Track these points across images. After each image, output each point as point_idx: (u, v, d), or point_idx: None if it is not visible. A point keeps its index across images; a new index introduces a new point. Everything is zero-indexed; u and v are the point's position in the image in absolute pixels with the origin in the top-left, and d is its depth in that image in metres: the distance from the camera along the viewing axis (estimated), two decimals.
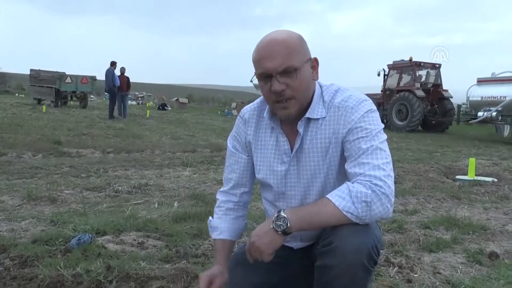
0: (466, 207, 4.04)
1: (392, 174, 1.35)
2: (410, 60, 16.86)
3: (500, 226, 3.38)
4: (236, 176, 1.62)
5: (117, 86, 14.95)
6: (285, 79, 1.36)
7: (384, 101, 17.57)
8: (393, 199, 1.32)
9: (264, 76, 1.38)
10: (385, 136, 1.42)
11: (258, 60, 1.39)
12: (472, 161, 5.65)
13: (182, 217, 3.11)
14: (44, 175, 4.76)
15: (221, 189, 1.68)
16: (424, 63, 17.09)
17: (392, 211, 1.33)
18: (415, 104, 15.86)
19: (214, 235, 1.63)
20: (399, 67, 17.53)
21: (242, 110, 1.65)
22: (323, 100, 1.46)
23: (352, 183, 1.32)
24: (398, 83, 17.24)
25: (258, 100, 1.61)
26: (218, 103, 44.50)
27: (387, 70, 18.01)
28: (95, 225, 2.75)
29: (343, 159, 1.43)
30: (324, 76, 1.55)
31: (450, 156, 8.33)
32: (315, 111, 1.45)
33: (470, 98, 14.73)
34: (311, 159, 1.47)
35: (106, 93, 14.71)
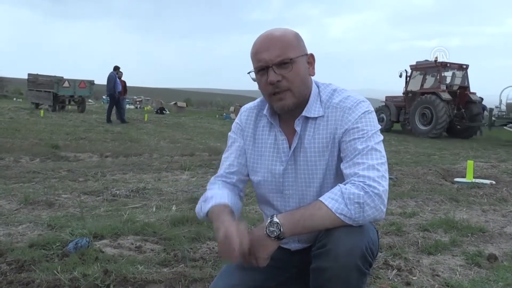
0: (464, 209, 4.04)
1: (387, 175, 1.35)
2: (436, 60, 15.65)
3: (499, 228, 3.38)
4: (231, 160, 1.58)
5: (119, 91, 15.00)
6: (281, 71, 1.39)
7: (406, 104, 16.55)
8: (386, 200, 1.32)
9: (261, 68, 1.41)
10: (381, 137, 1.43)
11: (255, 53, 1.42)
12: (470, 163, 5.65)
13: (180, 220, 3.10)
14: (41, 179, 4.74)
15: (214, 176, 1.61)
16: (451, 63, 15.78)
17: (385, 211, 1.33)
18: (441, 107, 14.66)
19: (209, 205, 1.44)
20: (422, 68, 16.31)
21: (241, 108, 1.65)
22: (320, 99, 1.47)
23: (345, 184, 1.33)
24: (422, 85, 16.06)
25: (258, 99, 1.62)
26: (216, 107, 44.52)
27: (409, 71, 16.82)
28: (92, 229, 2.74)
29: (340, 159, 1.44)
30: (322, 80, 1.56)
31: (448, 159, 8.34)
32: (312, 109, 1.46)
33: (507, 101, 13.72)
34: (308, 158, 1.47)
35: (105, 97, 14.73)
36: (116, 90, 14.82)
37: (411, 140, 13.59)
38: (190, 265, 2.34)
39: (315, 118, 1.46)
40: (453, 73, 15.92)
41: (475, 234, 3.13)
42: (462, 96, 15.66)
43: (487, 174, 6.25)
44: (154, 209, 3.61)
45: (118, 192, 4.14)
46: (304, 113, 1.45)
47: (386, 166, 1.37)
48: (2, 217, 3.15)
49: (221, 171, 1.61)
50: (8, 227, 2.93)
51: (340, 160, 1.44)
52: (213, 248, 2.64)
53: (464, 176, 5.70)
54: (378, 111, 17.42)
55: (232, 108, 25.84)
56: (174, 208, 3.64)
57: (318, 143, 1.45)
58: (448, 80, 15.87)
